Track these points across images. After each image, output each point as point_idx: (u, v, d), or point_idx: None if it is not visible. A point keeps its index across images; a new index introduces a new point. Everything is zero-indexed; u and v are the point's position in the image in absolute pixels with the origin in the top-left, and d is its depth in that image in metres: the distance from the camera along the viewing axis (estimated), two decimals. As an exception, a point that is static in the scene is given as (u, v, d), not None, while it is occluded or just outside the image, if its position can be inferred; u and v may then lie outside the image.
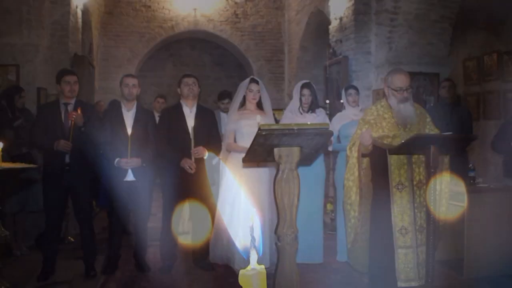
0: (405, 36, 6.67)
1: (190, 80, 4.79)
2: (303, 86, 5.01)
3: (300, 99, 4.99)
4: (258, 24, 11.58)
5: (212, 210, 5.12)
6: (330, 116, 6.04)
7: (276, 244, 3.22)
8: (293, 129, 2.93)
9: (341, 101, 7.20)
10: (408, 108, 3.71)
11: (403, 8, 6.51)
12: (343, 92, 5.30)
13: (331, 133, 3.06)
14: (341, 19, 7.41)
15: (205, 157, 4.67)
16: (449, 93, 5.71)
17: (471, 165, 4.81)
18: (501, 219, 4.56)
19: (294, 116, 5.01)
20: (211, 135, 4.83)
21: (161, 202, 6.16)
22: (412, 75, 6.68)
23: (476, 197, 4.48)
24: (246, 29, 11.55)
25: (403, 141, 3.38)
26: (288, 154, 3.12)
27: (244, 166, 4.60)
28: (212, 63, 13.44)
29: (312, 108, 5.05)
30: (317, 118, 5.02)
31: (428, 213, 3.44)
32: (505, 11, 7.78)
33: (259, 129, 2.90)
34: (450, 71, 6.99)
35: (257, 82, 4.91)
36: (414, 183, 3.68)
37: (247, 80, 4.96)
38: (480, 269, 4.48)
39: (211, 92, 11.95)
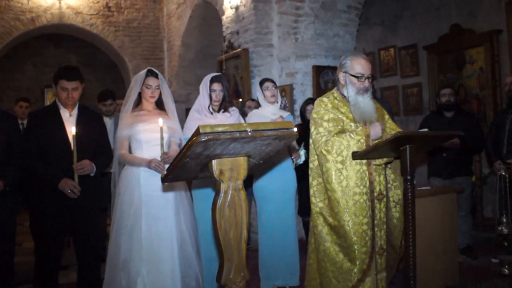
0: (311, 26, 6.04)
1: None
2: (213, 80, 4.07)
3: (210, 96, 4.05)
4: (133, 19, 10.44)
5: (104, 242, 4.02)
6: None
7: (219, 297, 2.27)
8: (246, 131, 2.00)
9: (240, 100, 6.46)
10: (367, 102, 2.99)
11: (310, -5, 5.88)
12: (257, 87, 4.46)
13: (295, 136, 2.19)
14: (237, 8, 6.59)
15: (92, 174, 3.57)
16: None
17: (408, 166, 4.25)
18: (444, 225, 4.07)
19: (203, 117, 4.06)
20: (99, 145, 3.73)
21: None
22: (320, 69, 6.16)
23: (420, 203, 3.90)
24: (120, 23, 10.33)
25: (376, 141, 2.62)
26: (232, 167, 2.19)
27: (165, 191, 3.58)
28: (80, 64, 11.91)
29: (224, 106, 4.14)
30: (231, 118, 4.13)
31: (407, 230, 2.71)
32: (400, 6, 7.59)
33: (198, 133, 1.93)
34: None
35: (156, 76, 3.89)
36: (375, 195, 2.96)
37: (143, 73, 3.90)
38: (431, 283, 3.94)
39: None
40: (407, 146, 2.57)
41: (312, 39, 6.09)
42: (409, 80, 7.60)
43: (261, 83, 4.42)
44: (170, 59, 10.44)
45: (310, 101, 5.19)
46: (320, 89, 6.18)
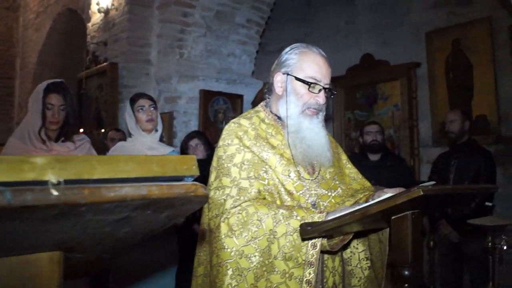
0: (201, 40, 4.76)
1: None
2: (50, 90, 2.59)
3: (43, 113, 2.55)
4: (-23, 28, 8.55)
5: None
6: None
7: None
8: (45, 184, 0.57)
9: (103, 131, 4.89)
10: (318, 130, 1.70)
11: (202, 1, 4.60)
12: (127, 107, 2.98)
13: (204, 199, 0.80)
14: (107, 12, 5.12)
15: None
16: None
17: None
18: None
19: (29, 147, 2.54)
20: None
21: None
22: (210, 94, 4.88)
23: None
24: (-42, 32, 8.38)
25: (372, 202, 1.29)
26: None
27: None
28: None
29: (65, 132, 2.65)
30: (76, 152, 2.65)
31: None
32: (302, 32, 6.66)
33: None
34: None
35: None
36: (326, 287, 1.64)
37: None
38: None
39: None
40: (408, 213, 1.30)
41: (202, 56, 4.82)
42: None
43: (133, 101, 2.94)
44: (22, 80, 8.87)
45: (195, 134, 3.88)
46: (209, 120, 4.89)
